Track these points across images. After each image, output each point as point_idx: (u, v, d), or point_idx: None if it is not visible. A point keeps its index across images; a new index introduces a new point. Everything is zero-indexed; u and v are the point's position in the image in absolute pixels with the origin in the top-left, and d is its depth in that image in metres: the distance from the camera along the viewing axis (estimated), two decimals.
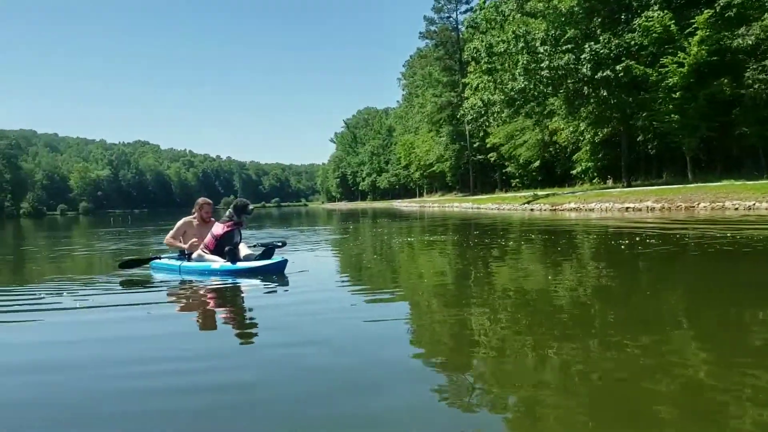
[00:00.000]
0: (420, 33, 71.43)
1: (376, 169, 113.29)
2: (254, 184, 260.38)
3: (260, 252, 7.91)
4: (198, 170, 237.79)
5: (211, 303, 6.00)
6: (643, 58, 28.02)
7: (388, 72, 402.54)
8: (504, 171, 55.76)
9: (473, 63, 35.83)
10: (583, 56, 28.22)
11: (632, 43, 27.68)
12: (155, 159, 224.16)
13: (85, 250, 15.63)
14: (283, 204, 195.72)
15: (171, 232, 8.37)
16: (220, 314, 5.42)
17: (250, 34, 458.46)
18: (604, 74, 27.66)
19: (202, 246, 7.92)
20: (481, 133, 53.34)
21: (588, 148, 37.37)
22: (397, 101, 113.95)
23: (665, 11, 26.70)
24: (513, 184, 54.74)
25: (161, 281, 7.45)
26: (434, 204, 55.92)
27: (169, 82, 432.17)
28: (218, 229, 7.85)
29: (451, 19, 66.59)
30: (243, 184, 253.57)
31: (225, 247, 7.69)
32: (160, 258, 8.34)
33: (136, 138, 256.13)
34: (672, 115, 26.92)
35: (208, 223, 8.35)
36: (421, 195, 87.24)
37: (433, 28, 68.53)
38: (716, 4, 25.58)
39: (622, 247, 9.58)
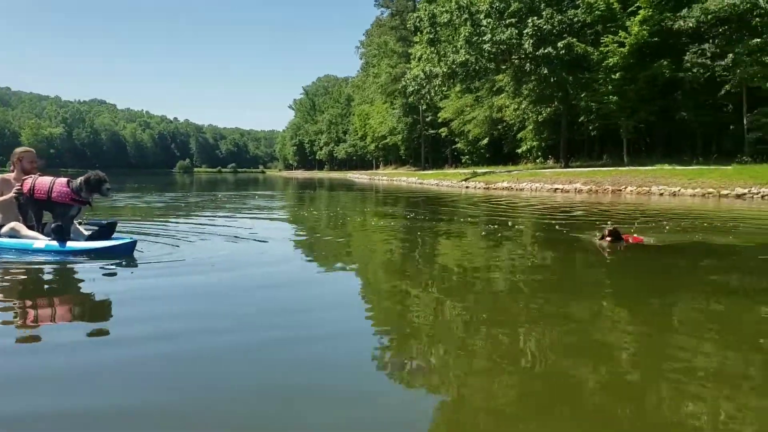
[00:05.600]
0: (376, 1, 69.78)
1: (334, 138, 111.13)
2: (211, 148, 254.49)
3: (93, 232, 6.45)
4: (154, 132, 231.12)
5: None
6: (587, 37, 27.48)
7: (350, 39, 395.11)
8: (454, 147, 55.10)
9: (418, 33, 34.82)
10: (525, 31, 27.50)
11: (575, 19, 27.09)
12: (111, 119, 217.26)
13: None
14: (239, 170, 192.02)
15: None
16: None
17: None
18: (546, 51, 27.01)
19: (14, 202, 6.35)
20: (424, 107, 52.33)
21: (532, 127, 36.85)
22: (357, 70, 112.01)
23: None
24: (463, 161, 54.08)
25: None
26: (383, 177, 55.11)
27: (127, 40, 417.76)
28: (58, 187, 6.14)
29: None
30: (199, 147, 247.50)
31: (50, 213, 6.27)
32: None
33: (92, 96, 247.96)
34: (611, 96, 26.51)
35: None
36: (377, 167, 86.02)
37: None
38: None
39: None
